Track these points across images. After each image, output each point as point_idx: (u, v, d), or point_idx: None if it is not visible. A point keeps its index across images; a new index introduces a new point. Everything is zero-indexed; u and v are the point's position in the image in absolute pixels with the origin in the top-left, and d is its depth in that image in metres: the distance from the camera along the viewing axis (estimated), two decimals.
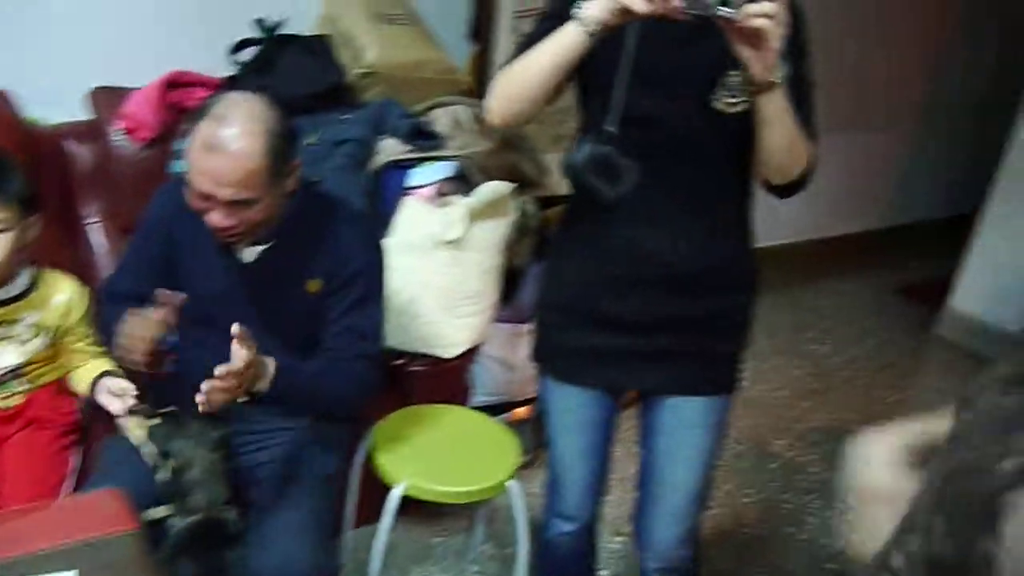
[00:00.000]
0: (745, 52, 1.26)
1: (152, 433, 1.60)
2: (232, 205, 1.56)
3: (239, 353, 1.49)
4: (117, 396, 1.75)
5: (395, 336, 2.15)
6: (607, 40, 1.35)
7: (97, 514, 1.40)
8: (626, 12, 1.27)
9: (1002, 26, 4.58)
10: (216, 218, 1.58)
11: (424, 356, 2.29)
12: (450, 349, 2.29)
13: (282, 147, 1.58)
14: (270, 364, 1.62)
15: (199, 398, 1.50)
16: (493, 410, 2.43)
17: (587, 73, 1.44)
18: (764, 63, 1.27)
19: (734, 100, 1.40)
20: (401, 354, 2.23)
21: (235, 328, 1.49)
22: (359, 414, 1.92)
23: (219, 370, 1.48)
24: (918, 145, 4.83)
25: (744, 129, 1.40)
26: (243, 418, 1.73)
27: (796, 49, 1.40)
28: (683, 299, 1.55)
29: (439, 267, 2.24)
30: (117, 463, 1.69)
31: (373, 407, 1.97)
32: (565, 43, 1.36)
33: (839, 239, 4.67)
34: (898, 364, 3.77)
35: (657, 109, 1.43)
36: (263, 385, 1.61)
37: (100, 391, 1.79)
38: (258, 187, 1.56)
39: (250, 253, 1.72)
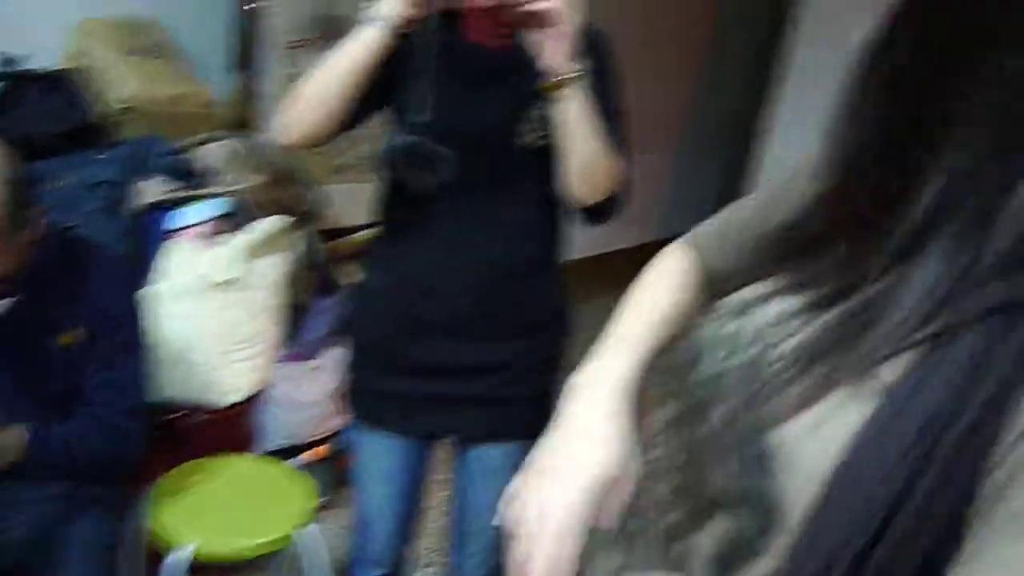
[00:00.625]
0: (537, 37, 1.24)
1: None
2: None
3: None
4: None
5: (171, 387, 2.03)
6: (409, 36, 1.32)
7: None
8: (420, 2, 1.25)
9: (747, 50, 5.01)
10: None
11: (203, 406, 2.16)
12: (231, 395, 2.18)
13: (17, 195, 1.44)
14: (17, 434, 1.47)
15: None
16: (286, 453, 2.34)
17: (390, 72, 1.37)
18: (558, 50, 1.25)
19: (538, 133, 1.38)
20: (179, 406, 2.09)
21: None
22: (126, 475, 1.78)
23: None
24: (688, 161, 5.18)
25: (549, 164, 1.38)
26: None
27: (599, 71, 1.39)
28: (478, 343, 1.51)
29: (214, 310, 2.13)
30: None
31: (149, 465, 1.83)
32: (365, 41, 1.31)
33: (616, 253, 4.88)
34: None
35: (459, 140, 1.38)
36: (11, 456, 1.47)
37: None
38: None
39: None
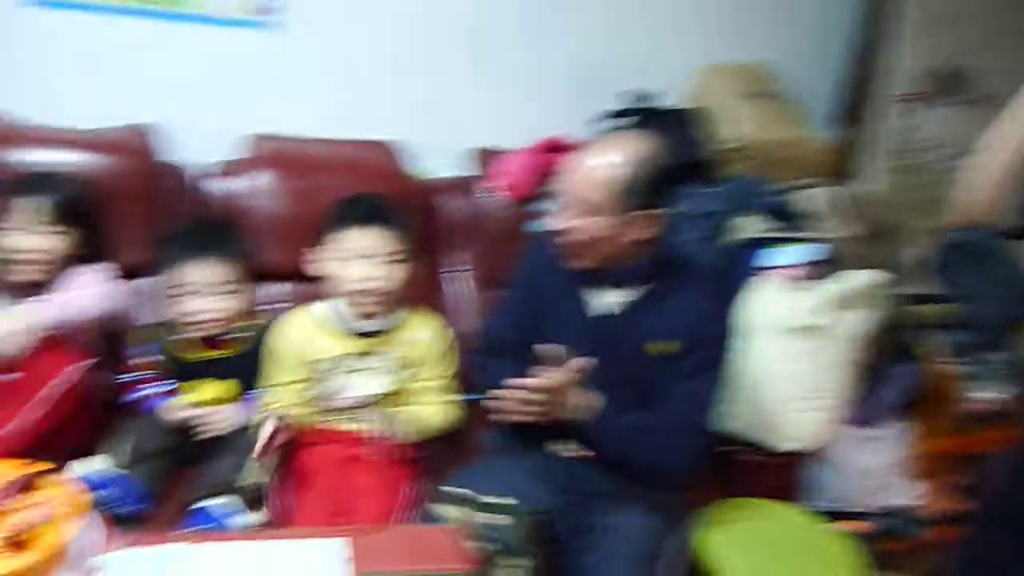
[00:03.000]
0: None
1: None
2: (574, 205, 1.63)
3: (549, 373, 1.53)
4: None
5: (734, 420, 2.04)
6: None
7: (437, 547, 1.45)
8: None
9: None
10: (556, 217, 1.68)
11: (758, 446, 2.14)
12: (790, 443, 2.13)
13: (643, 184, 1.61)
14: (590, 400, 1.62)
15: (491, 402, 1.55)
16: (828, 517, 2.22)
17: None
18: None
19: None
20: (736, 440, 2.11)
21: (553, 349, 1.52)
22: (673, 486, 1.82)
23: (527, 381, 1.50)
24: None
25: None
26: (570, 478, 1.73)
27: None
28: None
29: (789, 354, 2.10)
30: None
31: (699, 489, 1.88)
32: None
33: None
34: None
35: None
36: (573, 414, 1.62)
37: None
38: (602, 199, 1.61)
39: (602, 307, 1.74)
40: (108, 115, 2.27)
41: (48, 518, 0.99)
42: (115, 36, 2.31)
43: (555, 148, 2.42)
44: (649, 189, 1.63)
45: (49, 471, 1.10)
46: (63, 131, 2.18)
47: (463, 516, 1.57)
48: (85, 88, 2.32)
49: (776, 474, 2.16)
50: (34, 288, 1.92)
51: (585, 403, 1.64)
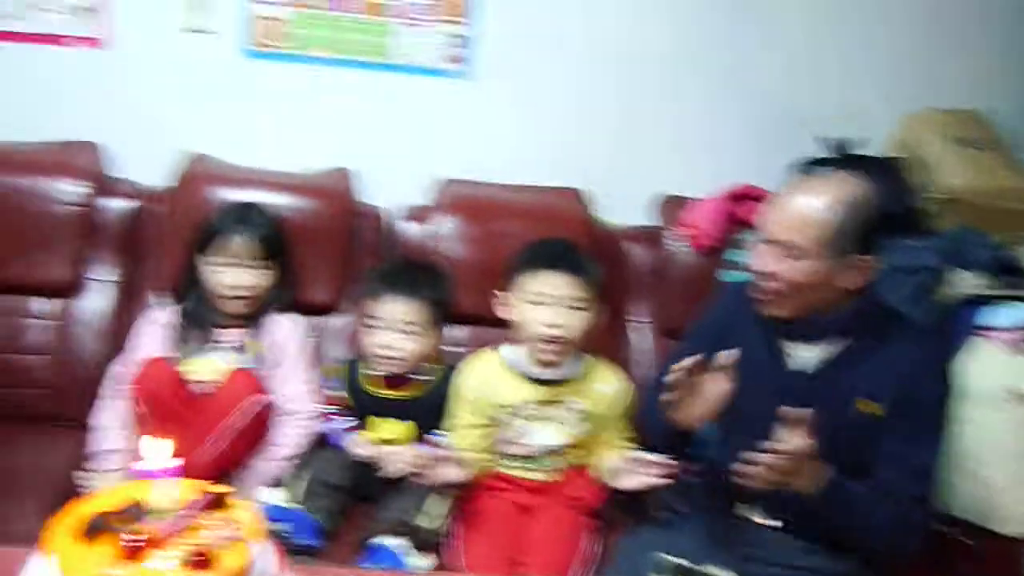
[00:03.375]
0: None
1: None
2: (778, 247, 1.55)
3: (793, 438, 1.42)
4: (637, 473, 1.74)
5: (949, 495, 1.84)
6: None
7: None
8: None
9: None
10: (758, 260, 1.59)
11: (974, 527, 1.92)
12: (1011, 526, 1.89)
13: (854, 228, 1.52)
14: (823, 469, 1.49)
15: (739, 467, 1.45)
16: None
17: None
18: None
19: None
20: (952, 519, 1.89)
21: (793, 411, 1.42)
22: (884, 569, 1.65)
23: (771, 445, 1.41)
24: None
25: None
26: (761, 546, 1.60)
27: None
28: None
29: (1014, 426, 1.88)
30: (629, 561, 1.66)
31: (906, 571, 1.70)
32: None
33: None
34: None
35: None
36: (803, 485, 1.49)
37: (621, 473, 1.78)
38: (810, 243, 1.52)
39: (802, 360, 1.63)
40: (311, 159, 2.38)
41: (233, 539, 0.99)
42: (321, 84, 2.42)
43: (744, 196, 2.33)
44: (859, 235, 1.52)
45: (233, 494, 1.11)
46: (269, 173, 2.30)
47: None
48: (291, 133, 2.44)
49: (995, 561, 1.92)
50: (237, 321, 2.02)
51: (819, 471, 1.50)
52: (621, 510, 1.88)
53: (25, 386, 2.13)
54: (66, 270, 2.15)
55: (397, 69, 2.43)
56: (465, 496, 1.87)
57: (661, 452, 1.70)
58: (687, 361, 1.52)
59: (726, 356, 1.54)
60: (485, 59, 2.44)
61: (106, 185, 2.24)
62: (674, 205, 2.45)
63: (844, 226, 1.51)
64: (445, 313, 1.98)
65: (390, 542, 1.73)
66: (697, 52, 2.49)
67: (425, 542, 1.77)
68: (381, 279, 1.96)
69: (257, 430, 1.90)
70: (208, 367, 1.96)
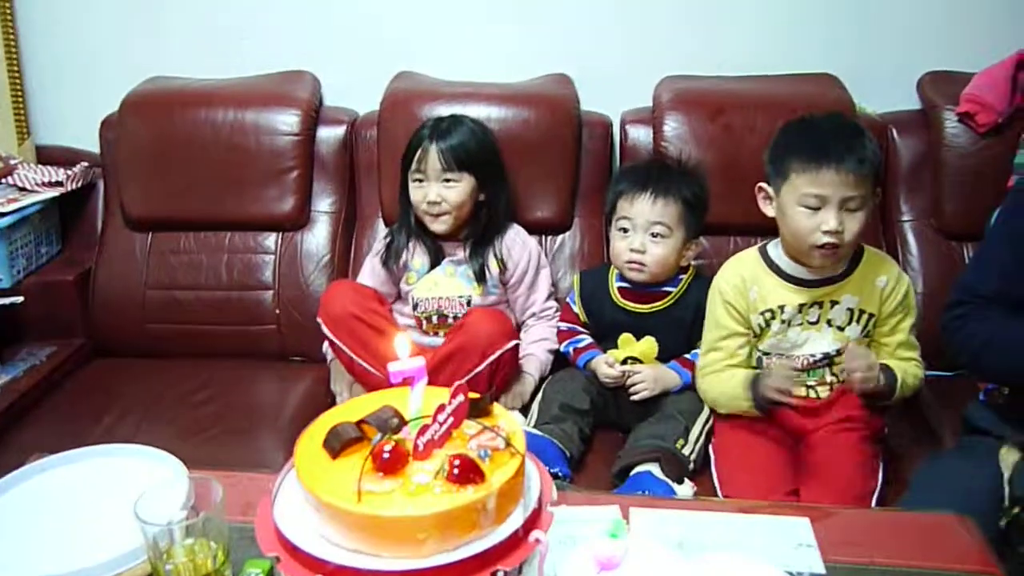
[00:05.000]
0: None
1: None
2: None
3: None
4: None
5: None
6: None
7: (944, 540, 1.13)
8: None
9: None
10: None
11: None
12: None
13: None
14: None
15: None
16: None
17: None
18: None
19: None
20: None
21: None
22: None
23: None
24: None
25: None
26: None
27: None
28: None
29: None
30: (937, 480, 1.44)
31: None
32: None
33: None
34: None
35: None
36: None
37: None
38: None
39: None
40: (524, 67, 2.22)
41: (500, 449, 0.84)
42: None
43: None
44: None
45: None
46: (479, 85, 2.13)
47: None
48: (499, 40, 2.26)
49: None
50: (450, 239, 1.91)
51: None
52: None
53: (254, 323, 2.11)
54: (288, 203, 2.11)
55: None
56: (727, 420, 1.68)
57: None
58: None
59: None
60: None
61: (323, 114, 2.18)
62: (939, 82, 2.09)
63: None
64: (700, 217, 1.79)
65: (653, 469, 1.56)
66: None
67: (684, 469, 1.60)
68: (631, 178, 1.80)
69: (505, 370, 1.79)
70: (432, 287, 1.89)
